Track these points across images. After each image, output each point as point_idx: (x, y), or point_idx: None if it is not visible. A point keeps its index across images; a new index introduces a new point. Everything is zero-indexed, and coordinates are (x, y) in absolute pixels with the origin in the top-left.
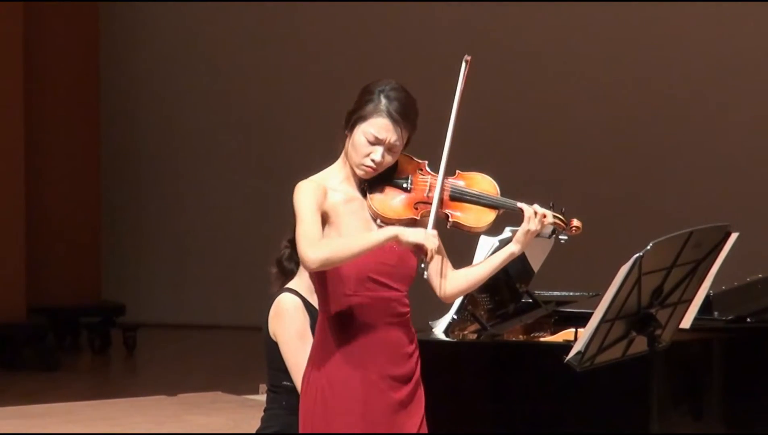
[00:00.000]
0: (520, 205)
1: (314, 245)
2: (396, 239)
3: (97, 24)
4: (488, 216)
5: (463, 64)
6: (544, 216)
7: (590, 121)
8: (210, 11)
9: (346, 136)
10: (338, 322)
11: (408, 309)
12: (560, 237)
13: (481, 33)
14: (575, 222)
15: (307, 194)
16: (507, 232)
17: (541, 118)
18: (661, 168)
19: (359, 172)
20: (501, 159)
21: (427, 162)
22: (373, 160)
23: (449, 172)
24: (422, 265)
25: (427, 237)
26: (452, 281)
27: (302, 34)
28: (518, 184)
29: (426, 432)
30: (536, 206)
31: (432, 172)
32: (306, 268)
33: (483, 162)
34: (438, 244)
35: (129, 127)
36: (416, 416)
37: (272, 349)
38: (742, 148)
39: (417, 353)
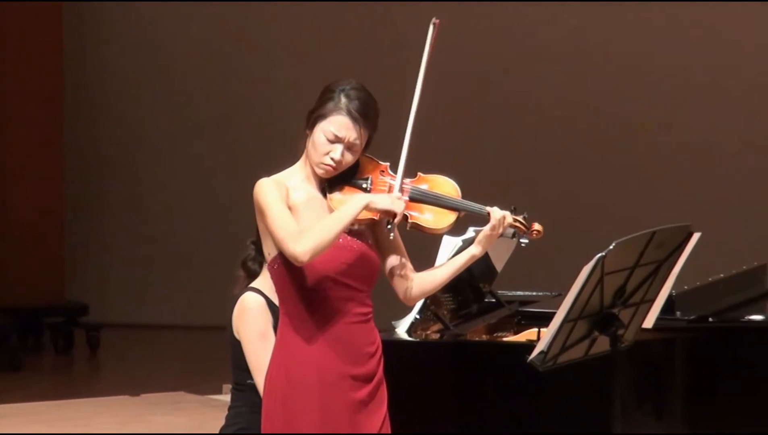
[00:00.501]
0: (486, 208)
1: (298, 240)
2: (367, 208)
3: (61, 23)
4: (448, 218)
5: (431, 28)
6: (505, 218)
7: (555, 122)
8: (174, 12)
9: (307, 136)
10: (298, 322)
11: (370, 309)
12: (521, 240)
13: (448, 34)
14: (536, 226)
15: (270, 190)
16: (470, 232)
17: (505, 121)
18: (624, 168)
19: (319, 171)
20: (464, 161)
21: (389, 164)
22: (332, 159)
23: (411, 174)
24: (388, 226)
25: (393, 201)
26: (414, 284)
27: (268, 35)
28: (483, 186)
29: (389, 431)
30: (496, 209)
31: (393, 174)
32: (298, 263)
33: (446, 164)
34: (400, 244)
35: (93, 127)
36: (378, 415)
37: (236, 347)
38: (706, 149)
39: (379, 353)
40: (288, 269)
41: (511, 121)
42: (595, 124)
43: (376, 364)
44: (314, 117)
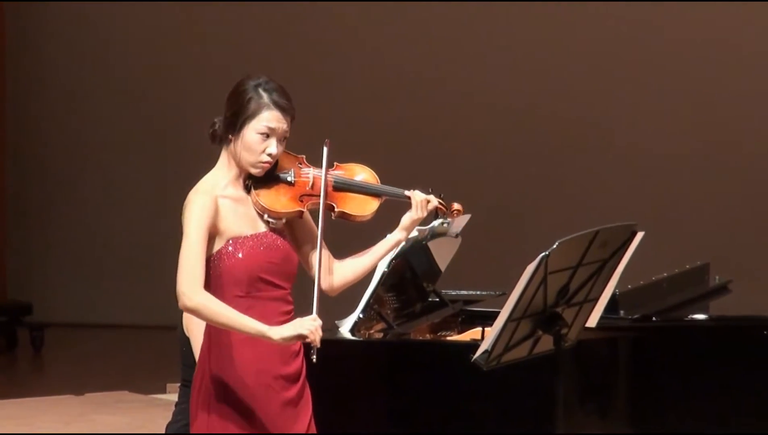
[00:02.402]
0: (407, 192)
1: (194, 289)
2: (265, 337)
3: (2, 23)
4: (372, 204)
5: (324, 149)
6: (428, 202)
7: (501, 121)
8: (118, 12)
9: (230, 142)
10: None
11: (292, 307)
12: (444, 223)
13: (382, 22)
14: (456, 205)
15: (197, 214)
16: (414, 232)
17: (450, 117)
18: (570, 168)
19: (255, 171)
20: (397, 158)
21: (305, 156)
22: (269, 155)
23: (328, 165)
24: (312, 353)
25: (302, 324)
26: (337, 272)
27: (215, 38)
28: (424, 182)
29: (314, 431)
30: (418, 192)
31: (311, 165)
32: (179, 303)
33: (377, 162)
34: (316, 233)
35: (36, 124)
36: (306, 415)
37: (186, 345)
38: (651, 148)
39: (302, 352)
40: (220, 271)
41: (457, 118)
42: (543, 122)
43: (300, 363)
44: (241, 120)
